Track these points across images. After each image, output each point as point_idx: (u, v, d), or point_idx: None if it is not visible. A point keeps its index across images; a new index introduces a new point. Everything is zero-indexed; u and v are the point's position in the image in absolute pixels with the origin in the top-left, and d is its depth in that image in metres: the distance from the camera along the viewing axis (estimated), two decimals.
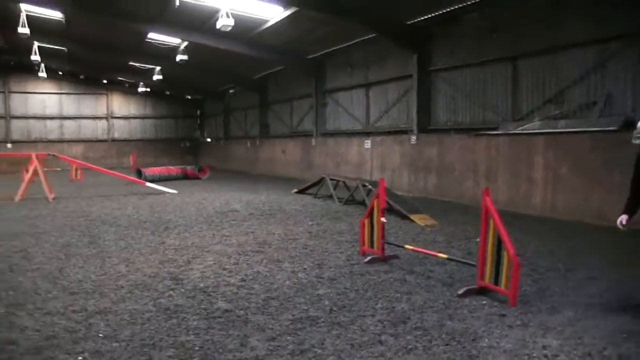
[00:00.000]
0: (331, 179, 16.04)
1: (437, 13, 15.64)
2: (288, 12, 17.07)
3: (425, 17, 16.07)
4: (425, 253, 7.58)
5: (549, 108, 13.20)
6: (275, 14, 17.66)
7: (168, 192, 17.52)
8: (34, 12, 21.28)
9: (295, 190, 17.80)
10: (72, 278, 6.90)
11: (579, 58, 12.43)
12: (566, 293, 6.18)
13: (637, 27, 10.95)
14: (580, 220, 11.40)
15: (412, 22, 16.51)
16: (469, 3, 14.45)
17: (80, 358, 4.40)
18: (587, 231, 10.40)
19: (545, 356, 4.39)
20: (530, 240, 9.41)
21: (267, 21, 18.49)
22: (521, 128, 13.40)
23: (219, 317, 5.37)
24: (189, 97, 40.82)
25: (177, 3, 16.29)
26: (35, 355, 4.44)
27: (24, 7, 20.00)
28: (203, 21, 19.13)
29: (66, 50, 28.75)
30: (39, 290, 6.33)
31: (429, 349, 4.54)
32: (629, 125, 10.92)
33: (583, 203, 11.66)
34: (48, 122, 38.50)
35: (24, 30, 20.23)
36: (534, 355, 4.41)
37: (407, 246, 7.72)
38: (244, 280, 6.73)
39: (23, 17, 20.10)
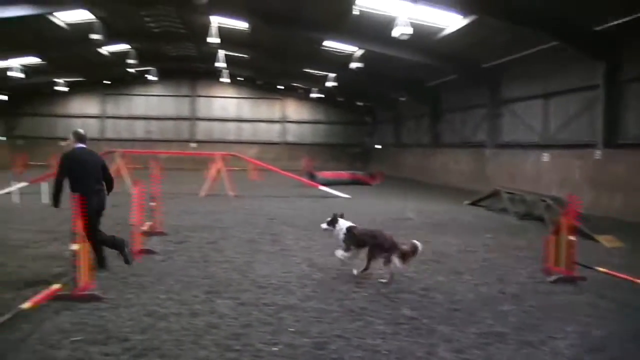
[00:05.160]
0: (506, 192, 15.37)
1: (631, 17, 14.29)
2: (466, 21, 16.71)
3: (617, 22, 14.78)
4: (623, 278, 6.90)
5: None
6: (453, 22, 17.37)
7: (341, 197, 17.92)
8: (224, 24, 23.20)
9: (468, 201, 17.36)
10: (259, 273, 7.36)
11: None
12: None
13: None
14: None
15: (600, 27, 15.31)
16: None
17: (275, 349, 4.67)
18: None
19: None
20: None
21: (443, 29, 18.25)
22: None
23: (404, 323, 5.41)
24: (360, 103, 41.56)
25: (357, 12, 16.58)
26: (235, 341, 4.82)
27: (215, 19, 22.02)
28: (379, 29, 19.36)
29: (247, 58, 30.83)
30: (231, 281, 6.84)
31: None
32: None
33: None
34: (228, 124, 41.79)
35: (213, 39, 22.24)
36: None
37: (599, 268, 7.16)
38: (426, 290, 6.71)
39: (214, 28, 22.09)
